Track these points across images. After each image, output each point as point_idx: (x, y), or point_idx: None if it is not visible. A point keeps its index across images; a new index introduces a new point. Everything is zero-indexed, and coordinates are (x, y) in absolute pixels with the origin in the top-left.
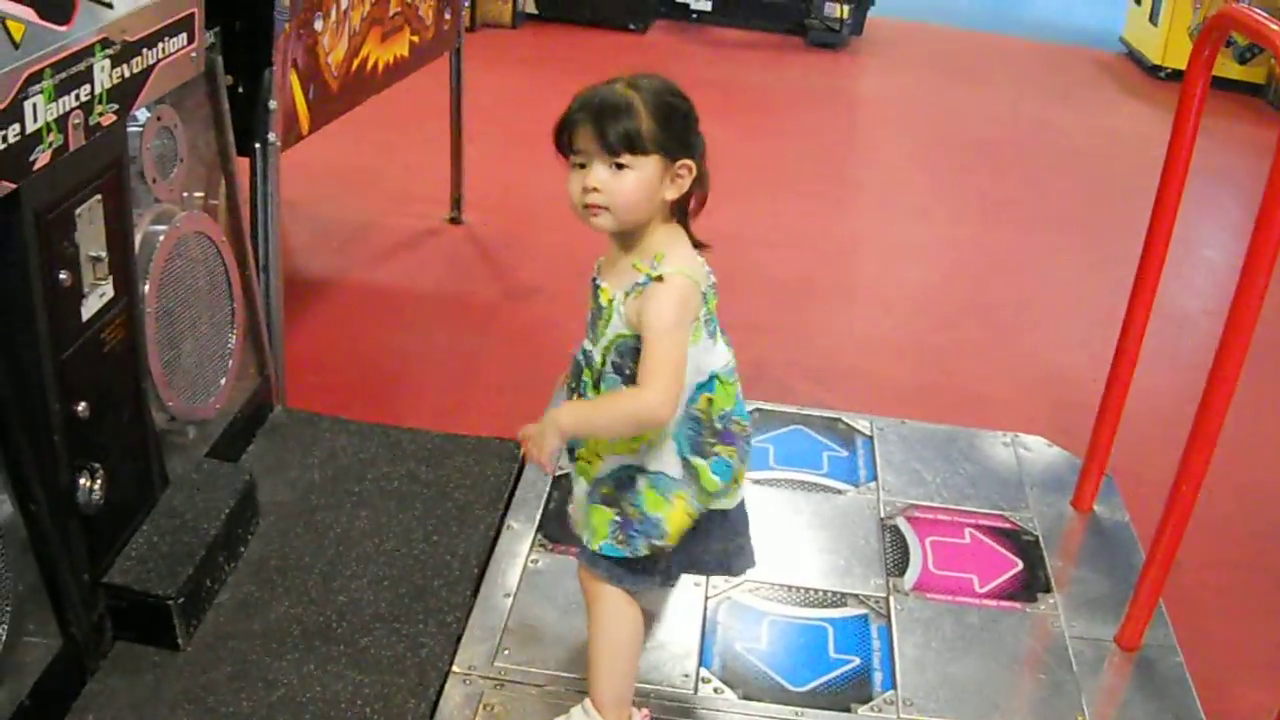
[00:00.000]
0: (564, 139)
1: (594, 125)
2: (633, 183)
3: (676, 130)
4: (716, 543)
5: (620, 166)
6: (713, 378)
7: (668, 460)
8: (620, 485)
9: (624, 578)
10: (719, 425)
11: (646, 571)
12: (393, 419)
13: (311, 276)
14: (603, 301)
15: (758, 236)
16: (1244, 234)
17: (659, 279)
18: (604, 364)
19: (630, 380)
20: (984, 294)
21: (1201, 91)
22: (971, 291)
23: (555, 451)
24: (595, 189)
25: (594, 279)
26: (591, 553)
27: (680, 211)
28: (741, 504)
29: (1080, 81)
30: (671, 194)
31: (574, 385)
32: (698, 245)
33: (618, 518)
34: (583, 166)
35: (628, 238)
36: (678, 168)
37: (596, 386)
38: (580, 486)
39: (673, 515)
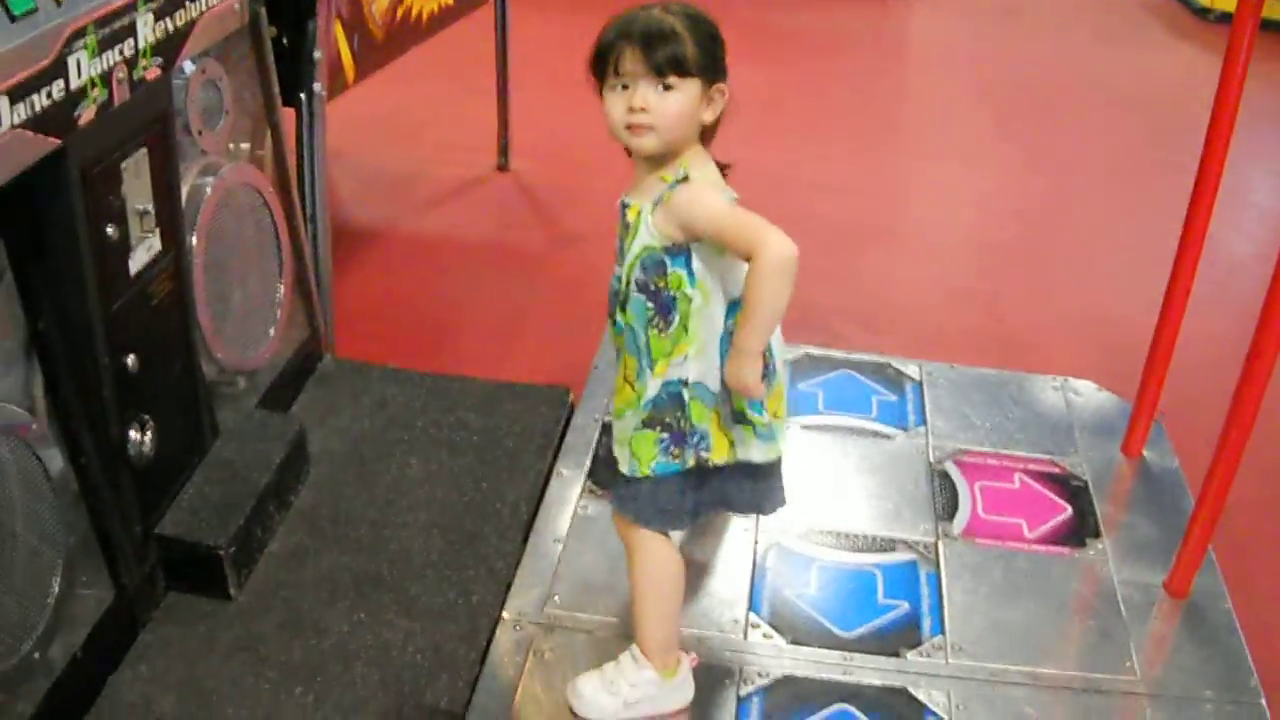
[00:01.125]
0: (605, 64)
1: (642, 49)
2: (678, 103)
3: (715, 54)
4: (748, 480)
5: (667, 88)
6: (739, 304)
7: (708, 373)
8: (659, 405)
9: (652, 518)
10: None
11: (673, 510)
12: (442, 367)
13: (359, 226)
14: (629, 218)
15: (806, 180)
16: None
17: (684, 180)
18: (628, 284)
19: (655, 297)
20: (1032, 238)
21: (1251, 33)
22: (1020, 236)
23: (759, 377)
24: (643, 109)
25: (622, 200)
26: (620, 495)
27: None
28: None
29: (1128, 24)
30: (709, 116)
31: (610, 314)
32: (722, 167)
33: (664, 435)
34: (625, 88)
35: (659, 161)
36: (714, 90)
37: (624, 309)
38: (619, 423)
39: (715, 430)
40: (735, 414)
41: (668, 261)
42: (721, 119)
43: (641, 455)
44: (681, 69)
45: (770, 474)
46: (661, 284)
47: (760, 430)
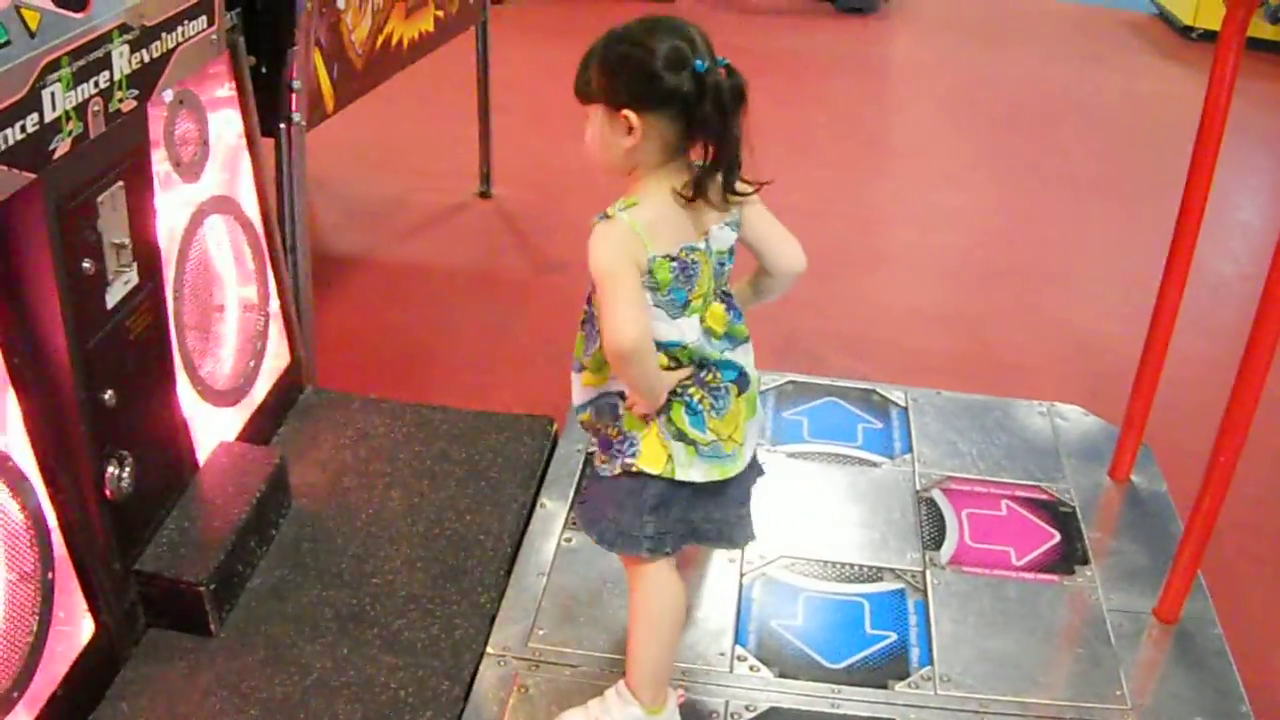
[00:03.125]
0: None
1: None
2: (589, 129)
3: (620, 79)
4: (716, 511)
5: (588, 115)
6: (674, 345)
7: None
8: (599, 412)
9: (614, 541)
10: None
11: (634, 535)
12: (424, 397)
13: (341, 255)
14: None
15: (788, 204)
16: None
17: (607, 217)
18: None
19: (589, 302)
20: (1018, 261)
21: (1236, 52)
22: (1005, 258)
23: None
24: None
25: None
26: (585, 518)
27: (722, 164)
28: (742, 477)
29: (1112, 43)
30: (628, 143)
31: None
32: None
33: (594, 441)
34: None
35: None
36: (620, 117)
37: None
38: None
39: (647, 437)
40: (676, 431)
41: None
42: (725, 137)
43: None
44: (584, 95)
45: (735, 503)
46: (593, 299)
47: (703, 449)
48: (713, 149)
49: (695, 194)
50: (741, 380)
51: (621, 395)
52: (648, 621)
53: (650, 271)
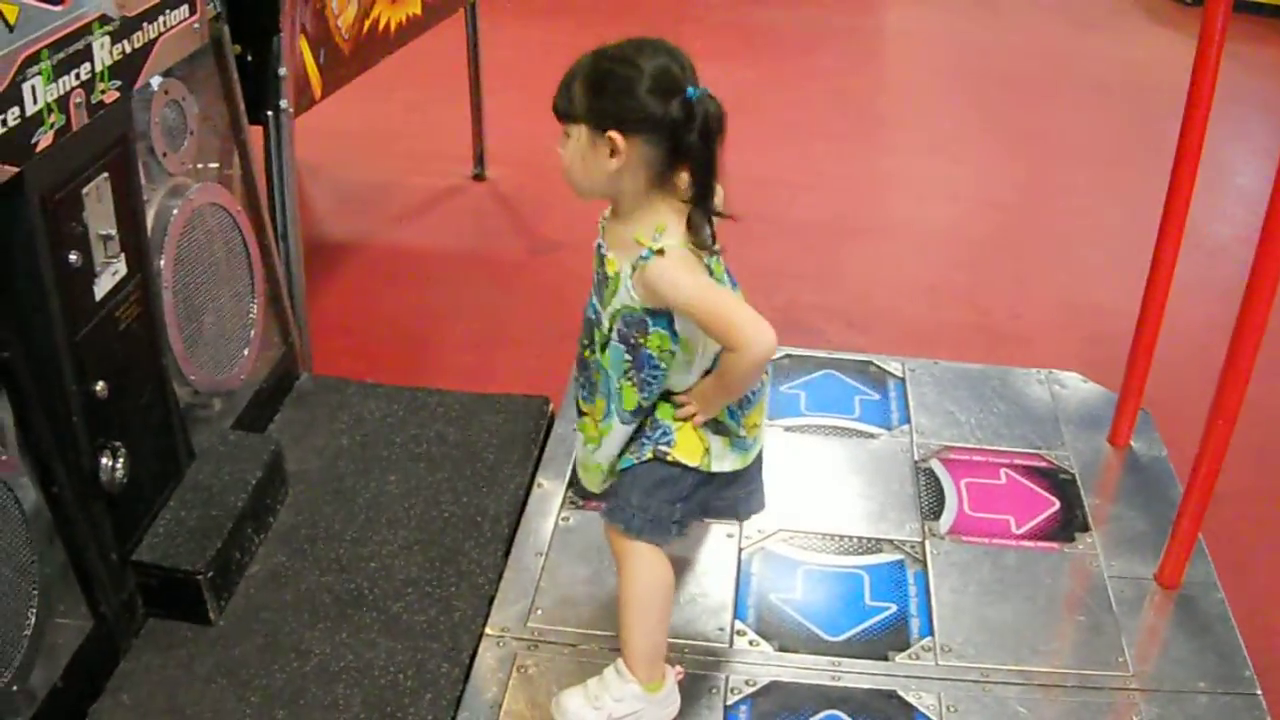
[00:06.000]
0: None
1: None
2: (570, 149)
3: (606, 99)
4: (730, 491)
5: (568, 135)
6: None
7: (680, 385)
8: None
9: (643, 529)
10: None
11: (664, 520)
12: (420, 380)
13: (334, 240)
14: (609, 271)
15: (784, 179)
16: (1275, 158)
17: (660, 252)
18: (611, 331)
19: (634, 352)
20: (1014, 229)
21: (1225, 14)
22: (1001, 227)
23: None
24: (560, 154)
25: (598, 244)
26: (611, 507)
27: (699, 193)
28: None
29: (1106, 10)
30: (611, 166)
31: (585, 343)
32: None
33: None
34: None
35: (619, 208)
36: (606, 138)
37: (604, 349)
38: (581, 446)
39: (683, 429)
40: (715, 422)
41: (649, 321)
42: (706, 169)
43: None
44: (567, 115)
45: (749, 479)
46: (642, 341)
47: (735, 441)
48: (694, 177)
49: (708, 239)
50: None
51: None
52: (638, 600)
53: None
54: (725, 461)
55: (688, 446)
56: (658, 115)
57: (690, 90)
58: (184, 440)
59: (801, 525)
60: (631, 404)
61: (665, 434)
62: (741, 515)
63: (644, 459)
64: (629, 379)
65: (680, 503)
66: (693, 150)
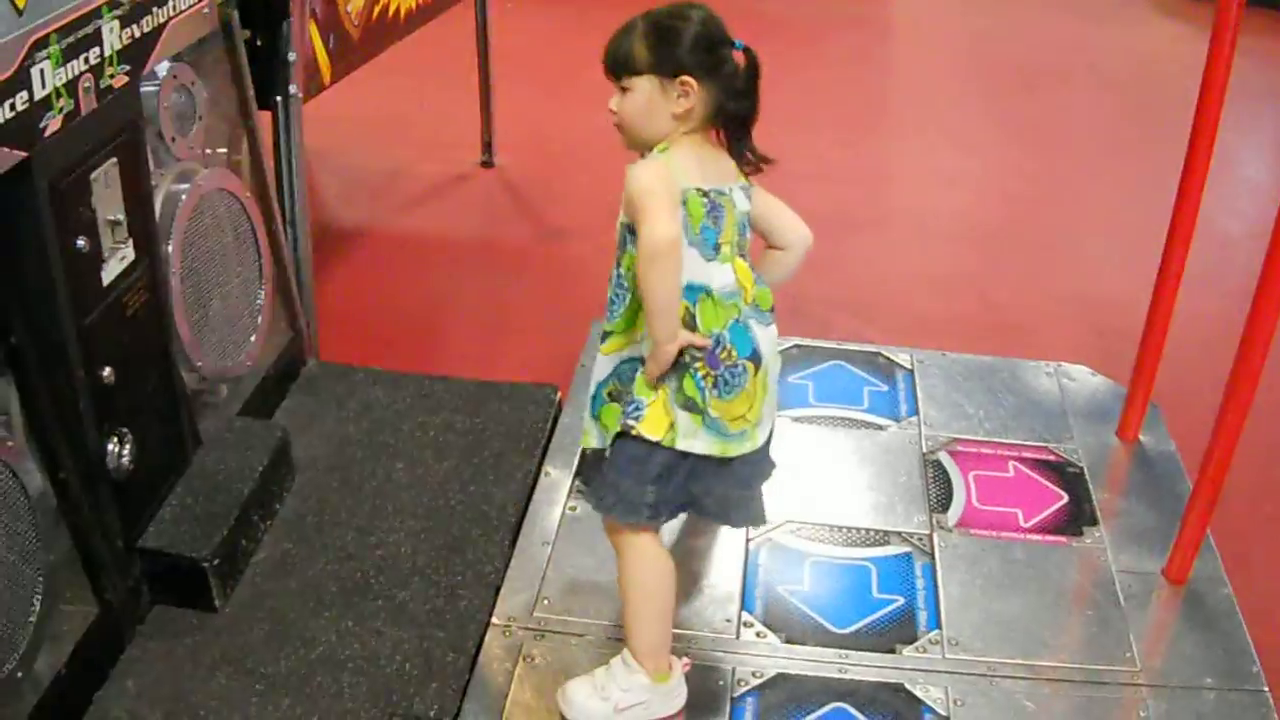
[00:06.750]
0: None
1: (603, 62)
2: (632, 102)
3: (670, 49)
4: (718, 486)
5: (624, 90)
6: (699, 290)
7: None
8: (623, 378)
9: (613, 506)
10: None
11: (633, 501)
12: (428, 367)
13: (342, 227)
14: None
15: (792, 169)
16: None
17: (641, 159)
18: (618, 247)
19: (618, 265)
20: (1023, 221)
21: (1238, 7)
22: (1010, 219)
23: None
24: (613, 111)
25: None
26: (591, 484)
27: (734, 127)
28: (756, 455)
29: (1114, 2)
30: (678, 108)
31: None
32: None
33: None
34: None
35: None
36: (676, 84)
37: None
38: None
39: (653, 404)
40: (686, 400)
41: (628, 239)
42: (737, 115)
43: (609, 427)
44: (629, 70)
45: (741, 483)
46: (621, 257)
47: (708, 421)
48: (741, 120)
49: (730, 144)
50: (755, 357)
51: (642, 360)
52: (639, 594)
53: (684, 203)
54: (696, 442)
55: (653, 420)
56: (721, 60)
57: (737, 42)
58: (190, 426)
59: (809, 517)
60: (607, 325)
61: (637, 409)
62: (735, 522)
63: (618, 435)
64: (610, 291)
65: (652, 484)
66: (745, 94)
